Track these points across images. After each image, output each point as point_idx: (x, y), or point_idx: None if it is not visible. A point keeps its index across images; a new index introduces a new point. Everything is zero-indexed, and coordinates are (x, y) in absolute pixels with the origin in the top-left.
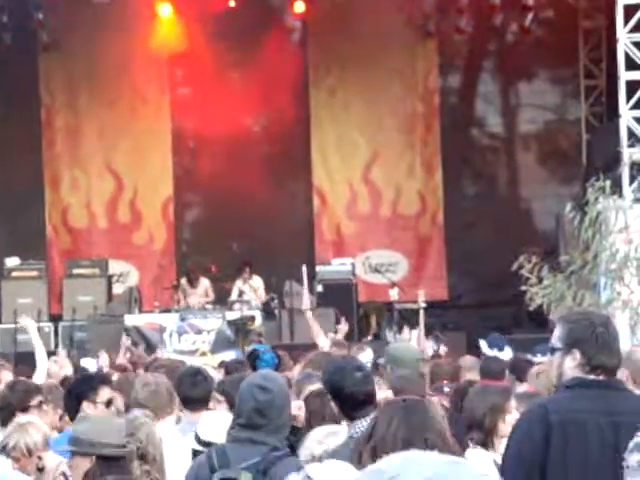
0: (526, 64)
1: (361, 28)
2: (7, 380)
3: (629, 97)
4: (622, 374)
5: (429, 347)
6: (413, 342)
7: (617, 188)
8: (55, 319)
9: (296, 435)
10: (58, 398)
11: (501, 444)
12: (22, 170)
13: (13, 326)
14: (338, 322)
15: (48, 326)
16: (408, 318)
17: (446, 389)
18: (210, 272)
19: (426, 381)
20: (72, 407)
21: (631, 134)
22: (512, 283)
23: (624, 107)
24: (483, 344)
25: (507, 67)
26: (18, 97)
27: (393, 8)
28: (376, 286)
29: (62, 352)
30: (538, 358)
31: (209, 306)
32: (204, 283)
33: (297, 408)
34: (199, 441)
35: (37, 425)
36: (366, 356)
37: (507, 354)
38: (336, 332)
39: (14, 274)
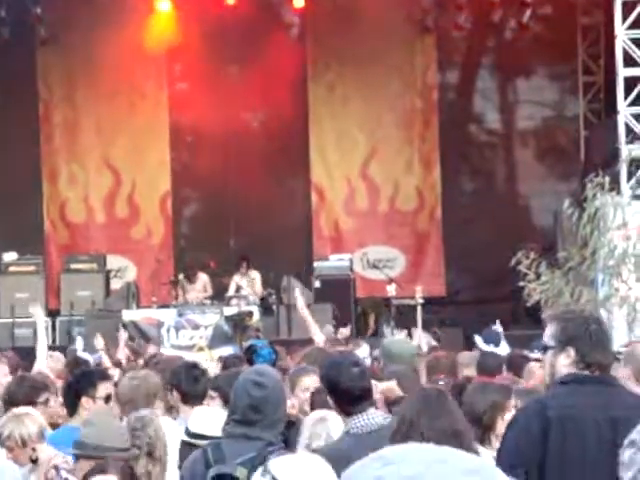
0: (524, 60)
1: (360, 24)
2: (4, 372)
3: (627, 93)
4: (624, 372)
5: (425, 343)
6: (411, 338)
7: (615, 184)
8: (53, 314)
9: (290, 430)
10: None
11: (498, 442)
12: (20, 164)
13: (11, 321)
14: (336, 319)
15: (46, 321)
16: (405, 314)
17: (441, 383)
18: (209, 267)
19: (420, 376)
20: (71, 402)
21: (629, 130)
22: (510, 279)
23: (622, 103)
24: (478, 339)
25: (505, 63)
26: (16, 91)
27: (392, 4)
28: (374, 282)
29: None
30: (535, 354)
31: (207, 301)
32: (202, 278)
33: (290, 407)
34: (188, 433)
35: (33, 416)
36: (362, 352)
37: (503, 349)
38: (336, 332)
39: (11, 269)
